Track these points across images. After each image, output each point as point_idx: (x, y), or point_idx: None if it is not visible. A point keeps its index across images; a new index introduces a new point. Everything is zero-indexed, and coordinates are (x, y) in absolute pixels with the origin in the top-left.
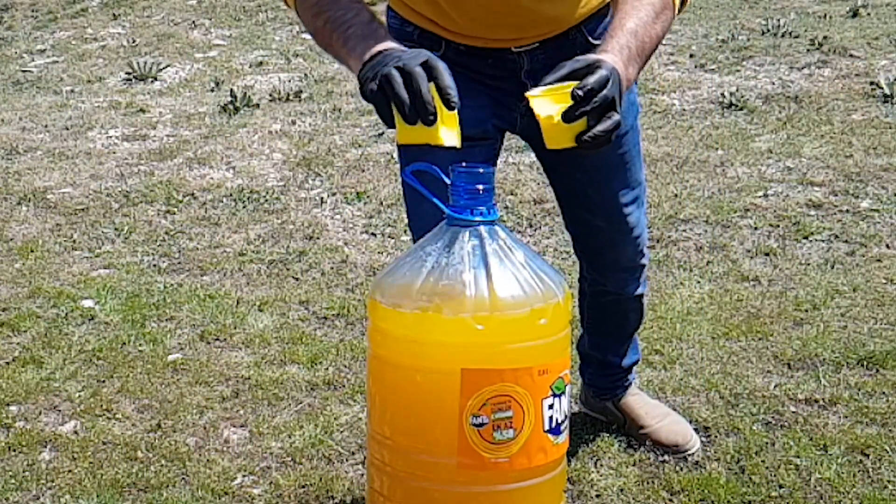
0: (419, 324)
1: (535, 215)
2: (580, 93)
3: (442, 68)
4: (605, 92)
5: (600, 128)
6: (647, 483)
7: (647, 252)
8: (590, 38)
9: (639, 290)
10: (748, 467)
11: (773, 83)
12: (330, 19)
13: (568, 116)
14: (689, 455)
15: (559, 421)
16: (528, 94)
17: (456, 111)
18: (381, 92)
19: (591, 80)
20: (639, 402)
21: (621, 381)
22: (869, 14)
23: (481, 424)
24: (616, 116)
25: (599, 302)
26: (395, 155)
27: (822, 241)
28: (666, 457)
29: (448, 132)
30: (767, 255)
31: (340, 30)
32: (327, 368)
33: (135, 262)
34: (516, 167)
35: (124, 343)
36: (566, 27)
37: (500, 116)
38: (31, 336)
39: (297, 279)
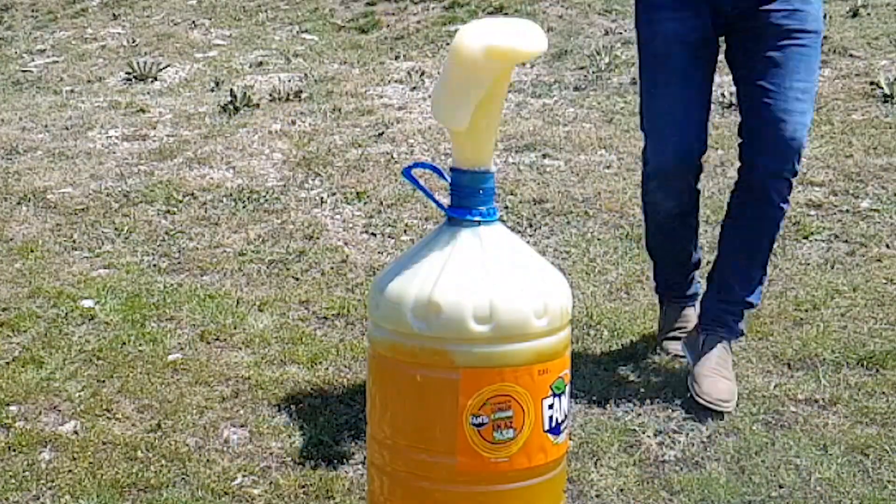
0: (419, 323)
1: (535, 215)
2: None
3: None
4: None
5: None
6: (647, 483)
7: (800, 162)
8: None
9: (781, 204)
10: (748, 467)
11: None
12: None
13: None
14: (721, 411)
15: (559, 421)
16: None
17: None
18: None
19: None
20: (715, 362)
21: (732, 315)
22: (869, 14)
23: (481, 424)
24: None
25: (744, 205)
26: (395, 154)
27: (822, 241)
28: (666, 457)
29: None
30: None
31: None
32: (327, 368)
33: (135, 262)
34: (516, 167)
35: (124, 343)
36: None
37: (715, 22)
38: (31, 336)
39: (297, 279)
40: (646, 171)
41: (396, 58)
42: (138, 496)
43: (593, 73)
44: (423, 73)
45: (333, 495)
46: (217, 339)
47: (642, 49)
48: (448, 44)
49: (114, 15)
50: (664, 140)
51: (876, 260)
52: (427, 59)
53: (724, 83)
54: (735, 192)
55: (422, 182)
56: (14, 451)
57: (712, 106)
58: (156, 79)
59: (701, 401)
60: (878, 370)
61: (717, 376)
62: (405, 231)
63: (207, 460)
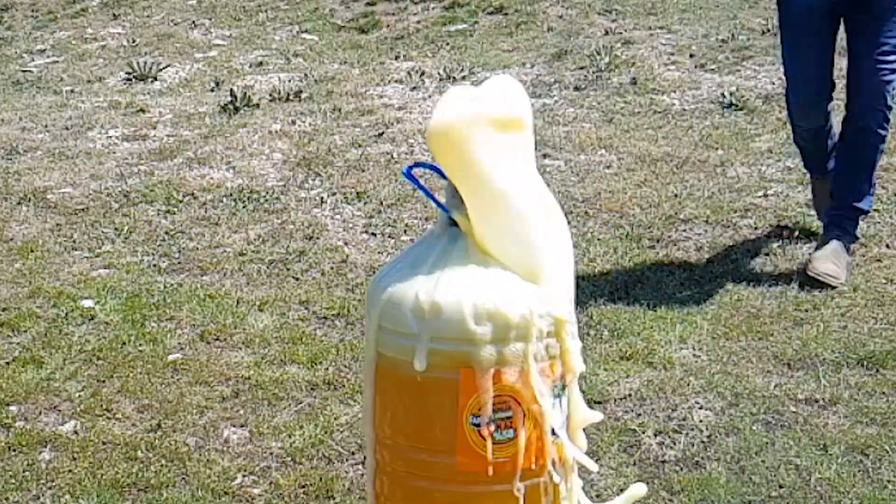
0: (419, 323)
1: None
2: None
3: None
4: None
5: None
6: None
7: (893, 99)
8: None
9: (878, 130)
10: (748, 467)
11: (773, 83)
12: None
13: None
14: (828, 283)
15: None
16: None
17: None
18: None
19: None
20: (828, 252)
21: (846, 219)
22: None
23: (481, 424)
24: None
25: (847, 132)
26: (395, 154)
27: None
28: (666, 457)
29: None
30: (767, 255)
31: None
32: (327, 368)
33: (135, 262)
34: None
35: (124, 343)
36: None
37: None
38: (31, 336)
39: (297, 279)
40: (787, 102)
41: (396, 58)
42: (138, 496)
43: (593, 73)
44: (423, 73)
45: (333, 495)
46: (217, 339)
47: (781, 16)
48: (448, 44)
49: (114, 15)
50: (794, 85)
51: (876, 260)
52: (427, 59)
53: (724, 83)
54: (843, 121)
55: (422, 182)
56: (14, 451)
57: (713, 106)
58: (156, 79)
59: (811, 273)
60: (878, 370)
61: (827, 261)
62: (405, 231)
63: (207, 460)
